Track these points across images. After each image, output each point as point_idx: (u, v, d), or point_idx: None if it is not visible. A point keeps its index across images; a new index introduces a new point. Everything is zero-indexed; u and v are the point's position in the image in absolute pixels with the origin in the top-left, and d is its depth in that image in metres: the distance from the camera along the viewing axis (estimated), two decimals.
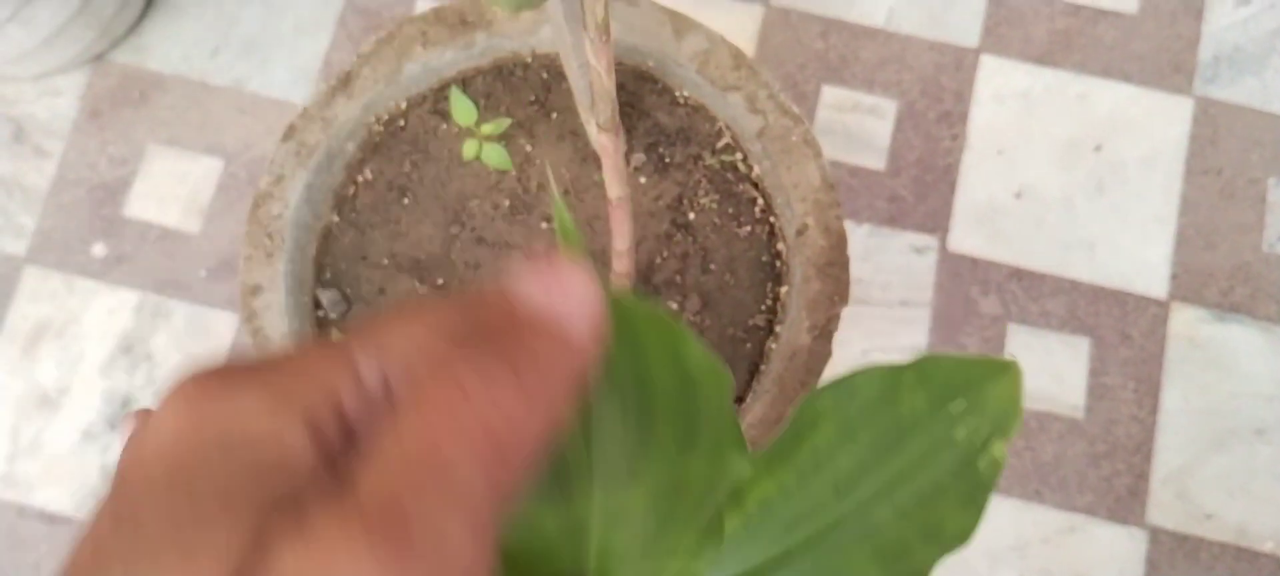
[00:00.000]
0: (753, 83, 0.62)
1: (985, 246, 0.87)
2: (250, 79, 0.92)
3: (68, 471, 0.85)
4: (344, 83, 0.62)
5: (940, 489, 0.31)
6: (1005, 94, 0.91)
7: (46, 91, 0.92)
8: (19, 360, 0.87)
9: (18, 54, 0.83)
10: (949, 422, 0.32)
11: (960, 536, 0.31)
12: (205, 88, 0.92)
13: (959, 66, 0.91)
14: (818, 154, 0.61)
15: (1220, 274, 0.87)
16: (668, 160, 0.64)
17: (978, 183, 0.88)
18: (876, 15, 0.92)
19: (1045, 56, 0.92)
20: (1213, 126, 0.90)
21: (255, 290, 0.60)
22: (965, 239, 0.87)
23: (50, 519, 0.84)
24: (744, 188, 0.64)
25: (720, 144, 0.64)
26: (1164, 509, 0.82)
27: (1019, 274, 0.86)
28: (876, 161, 0.89)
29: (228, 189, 0.90)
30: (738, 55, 0.62)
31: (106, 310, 0.88)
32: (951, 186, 0.88)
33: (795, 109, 0.61)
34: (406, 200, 0.64)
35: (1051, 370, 0.85)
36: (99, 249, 0.89)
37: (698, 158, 0.64)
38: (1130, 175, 0.89)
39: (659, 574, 0.28)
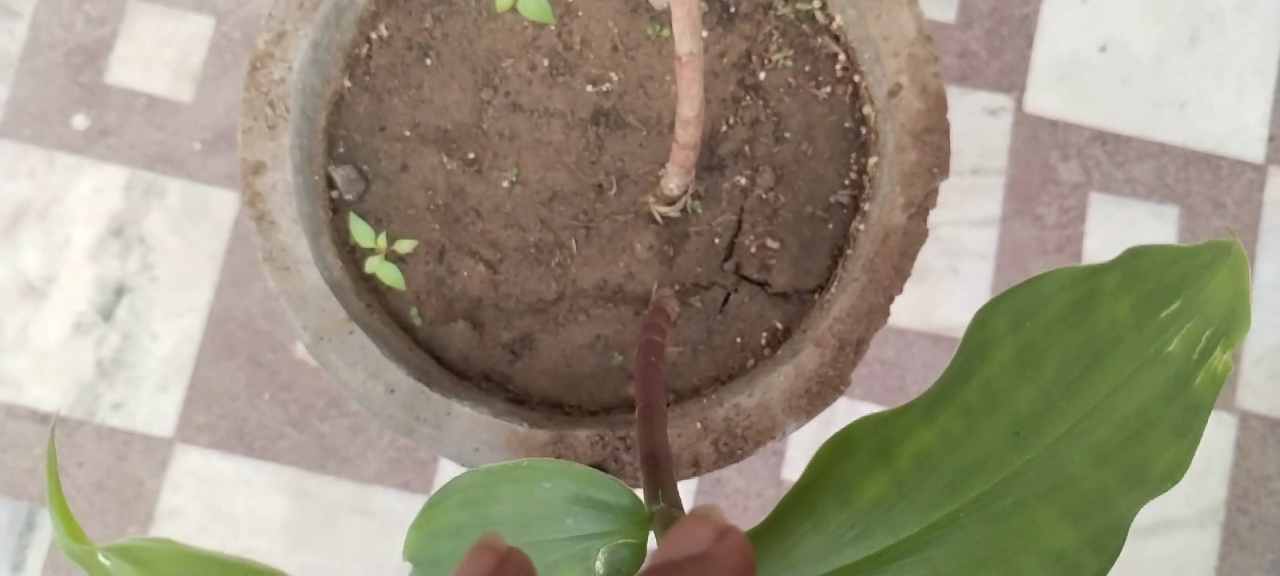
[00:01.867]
0: None
1: (1065, 107, 0.78)
2: None
3: (59, 366, 0.78)
4: None
5: (1147, 420, 0.24)
6: None
7: None
8: (2, 246, 0.79)
9: None
10: (1159, 332, 0.24)
11: (1170, 476, 0.25)
12: None
13: None
14: (914, 1, 0.52)
15: None
16: (734, 10, 0.55)
17: (1058, 35, 0.79)
18: None
19: None
20: None
21: (257, 168, 0.52)
22: (1043, 99, 0.78)
23: (43, 418, 0.78)
24: (823, 41, 0.55)
25: None
26: (1255, 392, 0.76)
27: (1102, 137, 0.78)
28: (945, 12, 0.79)
29: (221, 51, 0.80)
30: None
31: (92, 188, 0.80)
32: (1029, 40, 0.79)
33: None
34: (429, 60, 0.55)
35: (1138, 241, 0.77)
36: (80, 120, 0.80)
37: (769, 6, 0.55)
38: (1227, 23, 0.79)
39: None
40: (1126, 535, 0.25)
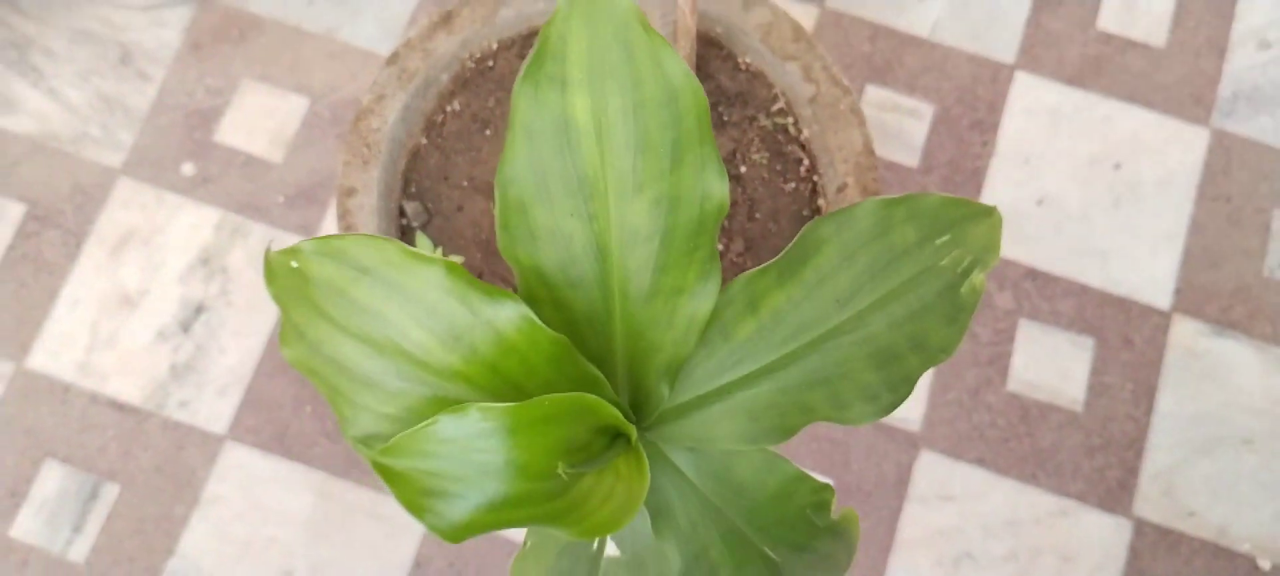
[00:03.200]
0: (809, 54, 0.69)
1: (1005, 246, 0.94)
2: (341, 28, 1.00)
3: (139, 366, 0.92)
4: (445, 20, 0.70)
5: (927, 307, 0.38)
6: (1035, 109, 0.98)
7: (154, 22, 1.00)
8: (106, 261, 0.95)
9: None
10: (935, 253, 0.38)
11: (944, 349, 0.38)
12: (299, 32, 1.00)
13: (994, 79, 0.98)
14: (862, 123, 0.68)
15: (1222, 293, 0.93)
16: (726, 119, 0.71)
17: (1003, 187, 0.95)
18: (922, 26, 1.00)
19: (1075, 78, 0.98)
20: (1226, 157, 0.96)
21: (350, 192, 0.67)
22: None
23: (119, 407, 0.91)
24: (792, 148, 0.71)
25: (774, 107, 0.71)
26: (1150, 503, 0.88)
27: (1034, 274, 0.93)
28: (910, 159, 0.95)
29: (311, 126, 0.98)
30: (798, 29, 0.69)
31: (190, 224, 0.96)
32: (978, 188, 0.95)
33: (845, 81, 0.68)
34: (488, 132, 0.72)
35: (1057, 365, 0.91)
36: (188, 168, 0.97)
37: (753, 119, 0.71)
38: (1145, 194, 0.95)
39: (671, 312, 0.35)
40: (914, 385, 0.38)
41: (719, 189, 0.35)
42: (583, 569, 0.41)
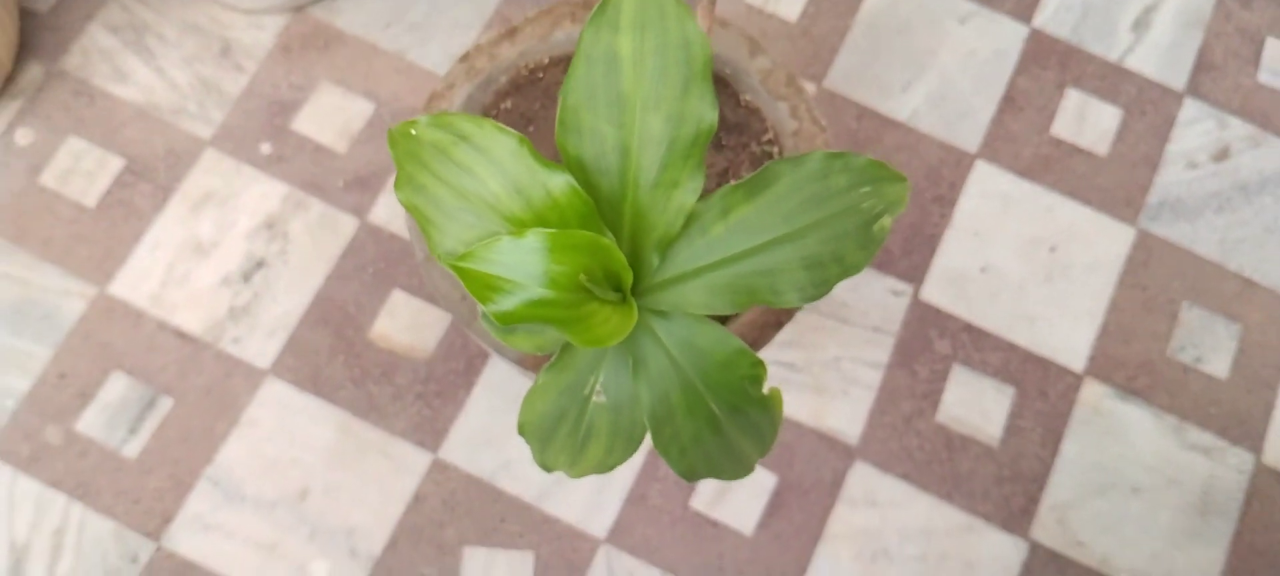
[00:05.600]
0: (797, 97, 0.86)
1: (949, 302, 1.10)
2: (410, 50, 1.18)
3: (203, 304, 1.07)
4: (510, 33, 0.87)
5: (847, 233, 0.54)
6: (989, 193, 1.15)
7: (253, 25, 1.18)
8: (186, 215, 1.11)
9: None
10: (858, 199, 0.54)
11: (856, 267, 0.54)
12: (375, 49, 1.18)
13: (958, 164, 1.16)
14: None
15: (1129, 364, 1.08)
16: (725, 143, 0.88)
17: (954, 253, 1.12)
18: (903, 112, 1.18)
19: (1027, 171, 1.16)
20: (1147, 253, 1.13)
21: None
22: (934, 292, 1.10)
23: (182, 336, 1.06)
24: None
25: (765, 137, 0.88)
26: (1046, 529, 1.02)
27: (970, 328, 1.09)
28: None
29: (373, 126, 1.15)
30: (790, 76, 0.86)
31: (261, 193, 1.12)
32: (932, 251, 1.12)
33: (824, 121, 0.86)
34: (531, 128, 0.89)
35: (980, 406, 1.06)
36: (266, 148, 1.14)
37: (746, 145, 0.88)
38: (1074, 275, 1.12)
39: (667, 200, 0.51)
40: (834, 286, 0.53)
41: (711, 115, 0.51)
42: (577, 406, 0.56)
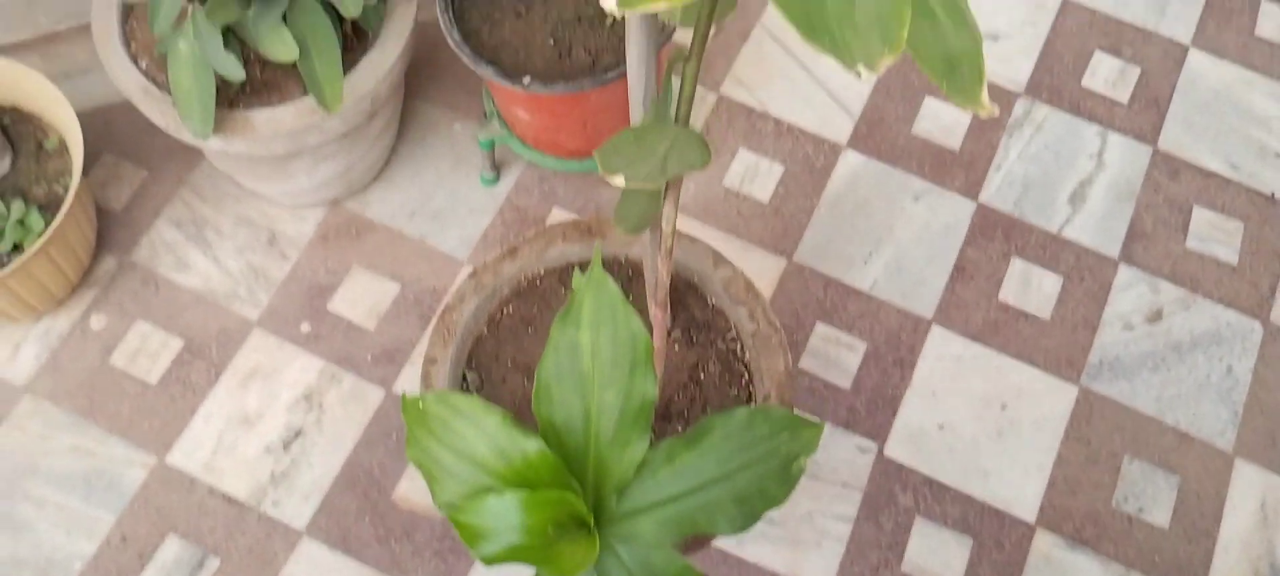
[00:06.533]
0: (755, 302, 1.01)
1: (910, 457, 1.22)
2: (432, 236, 1.34)
3: (248, 471, 1.22)
4: (511, 252, 1.03)
5: (770, 473, 0.68)
6: (945, 355, 1.28)
7: (297, 217, 1.35)
8: (235, 389, 1.27)
9: (294, 193, 1.27)
10: (779, 443, 0.68)
11: (778, 500, 0.67)
12: (401, 236, 1.34)
13: (915, 329, 1.29)
14: (786, 353, 0.99)
15: (1077, 515, 1.20)
16: (695, 339, 1.03)
17: (913, 412, 1.25)
18: (864, 282, 1.32)
19: (978, 335, 1.29)
20: (1089, 410, 1.26)
21: (433, 360, 0.99)
22: (897, 449, 1.23)
23: (229, 500, 1.21)
24: (738, 366, 1.02)
25: (729, 336, 1.03)
26: None
27: (931, 482, 1.21)
28: (844, 382, 1.26)
29: (399, 305, 1.31)
30: (749, 284, 1.01)
31: (300, 368, 1.28)
32: (894, 411, 1.25)
33: (778, 322, 1.00)
34: (530, 330, 1.04)
35: (941, 556, 1.18)
36: (305, 327, 1.30)
37: (713, 342, 1.03)
38: (1024, 431, 1.24)
39: (622, 454, 0.65)
40: (759, 517, 0.66)
41: (652, 391, 0.66)
42: None
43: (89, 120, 1.36)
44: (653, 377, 0.65)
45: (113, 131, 1.39)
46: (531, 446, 0.65)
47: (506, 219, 1.35)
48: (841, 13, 0.53)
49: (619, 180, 0.64)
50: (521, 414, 1.00)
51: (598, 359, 0.65)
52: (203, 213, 1.36)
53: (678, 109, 0.71)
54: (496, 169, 1.36)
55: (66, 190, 1.22)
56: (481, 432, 0.65)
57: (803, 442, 0.68)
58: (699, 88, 1.43)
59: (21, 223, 1.20)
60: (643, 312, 1.03)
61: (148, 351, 1.28)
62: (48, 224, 1.19)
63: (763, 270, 1.31)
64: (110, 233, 1.34)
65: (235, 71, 1.03)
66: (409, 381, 1.27)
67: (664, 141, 0.68)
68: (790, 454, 0.68)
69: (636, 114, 0.75)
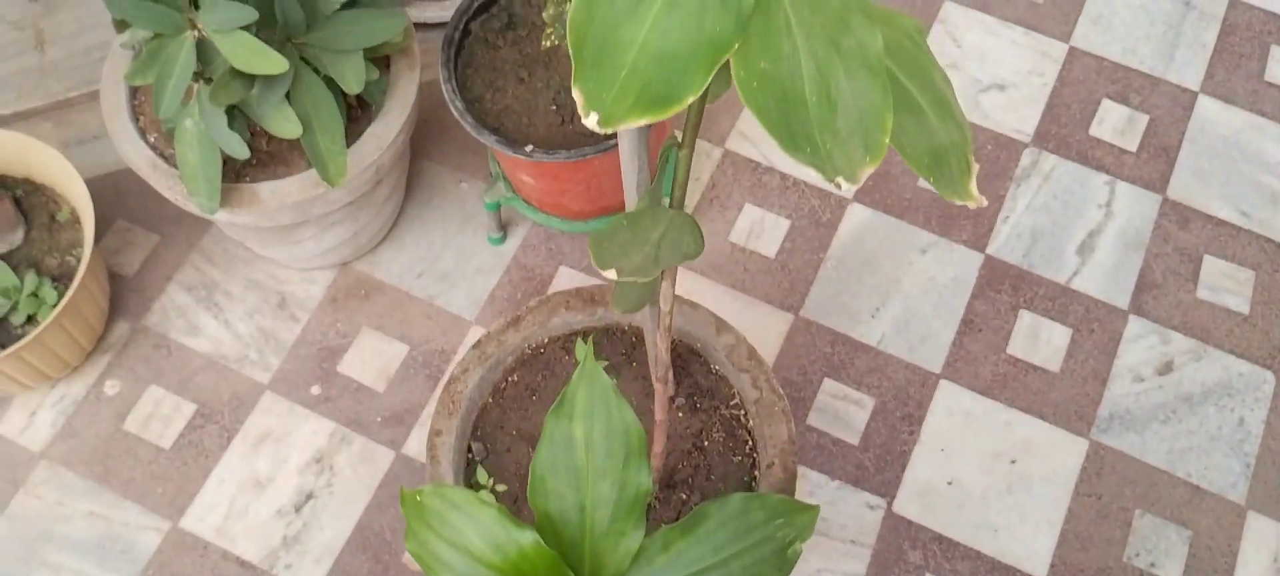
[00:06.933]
0: (758, 370, 1.01)
1: (919, 514, 1.22)
2: (439, 297, 1.35)
3: (260, 534, 1.23)
4: (514, 321, 1.04)
5: (765, 559, 0.68)
6: (953, 410, 1.28)
7: (306, 279, 1.37)
8: (247, 453, 1.28)
9: (302, 257, 1.29)
10: (774, 528, 0.68)
11: None
12: (409, 297, 1.35)
13: (923, 384, 1.29)
14: (790, 421, 0.99)
15: (1088, 571, 1.19)
16: (698, 406, 1.03)
17: (922, 468, 1.24)
18: (872, 337, 1.32)
19: (987, 390, 1.29)
20: (1100, 464, 1.25)
21: (438, 432, 1.00)
22: (906, 505, 1.22)
23: (242, 564, 1.22)
24: (742, 432, 1.02)
25: (732, 403, 1.03)
26: None
27: (940, 539, 1.21)
28: (852, 438, 1.26)
29: (408, 367, 1.32)
30: (752, 351, 1.02)
31: (311, 431, 1.29)
32: (903, 467, 1.25)
33: (781, 390, 1.00)
34: (535, 398, 1.04)
35: None
36: (316, 389, 1.31)
37: (717, 409, 1.03)
38: (1034, 486, 1.24)
39: (617, 544, 0.65)
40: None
41: (646, 482, 0.66)
42: None
43: (102, 185, 1.39)
44: (647, 468, 0.66)
45: (125, 197, 1.42)
46: (527, 539, 0.66)
47: (514, 278, 1.36)
48: (823, 120, 0.54)
49: (612, 273, 0.65)
50: (527, 483, 1.00)
51: (591, 451, 0.66)
52: (213, 277, 1.37)
53: (672, 193, 0.71)
54: (503, 228, 1.38)
55: (79, 261, 1.25)
56: (477, 526, 0.66)
57: (798, 528, 0.69)
58: (704, 143, 1.44)
59: (35, 295, 1.22)
60: (646, 378, 1.04)
61: (160, 416, 1.30)
62: (61, 295, 1.21)
63: (769, 326, 1.32)
64: (123, 298, 1.36)
65: (240, 150, 1.05)
66: (418, 443, 1.28)
67: (658, 227, 0.69)
68: (786, 539, 0.68)
69: (631, 200, 0.75)
